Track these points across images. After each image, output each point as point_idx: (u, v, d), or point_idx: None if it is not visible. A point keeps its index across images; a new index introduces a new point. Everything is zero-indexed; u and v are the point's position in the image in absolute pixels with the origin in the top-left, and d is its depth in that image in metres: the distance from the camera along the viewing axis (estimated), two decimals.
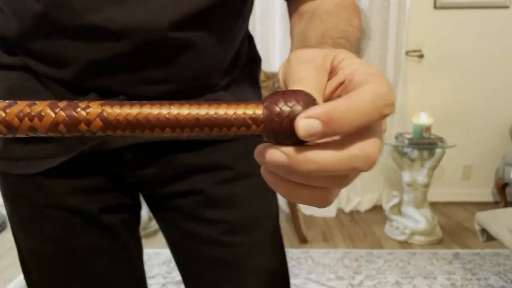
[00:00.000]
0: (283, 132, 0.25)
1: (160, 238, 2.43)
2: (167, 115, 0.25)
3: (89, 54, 0.48)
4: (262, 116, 0.25)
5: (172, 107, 0.25)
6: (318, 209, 2.84)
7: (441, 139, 2.41)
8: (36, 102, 0.24)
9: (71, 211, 0.56)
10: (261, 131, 0.26)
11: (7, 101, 0.24)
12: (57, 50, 0.49)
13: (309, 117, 0.23)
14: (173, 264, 2.13)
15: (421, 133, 2.37)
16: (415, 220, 2.38)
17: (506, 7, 2.81)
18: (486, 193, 3.03)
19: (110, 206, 0.58)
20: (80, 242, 0.57)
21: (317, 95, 0.26)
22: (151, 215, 2.38)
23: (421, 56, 2.86)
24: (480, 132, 2.95)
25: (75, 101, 0.24)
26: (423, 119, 2.39)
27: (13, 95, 0.52)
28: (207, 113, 0.25)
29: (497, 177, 2.86)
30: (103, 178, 0.57)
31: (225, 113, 0.25)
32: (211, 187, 0.58)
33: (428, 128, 2.39)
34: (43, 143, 0.53)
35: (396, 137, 2.51)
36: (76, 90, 0.51)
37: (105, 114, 0.24)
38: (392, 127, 2.82)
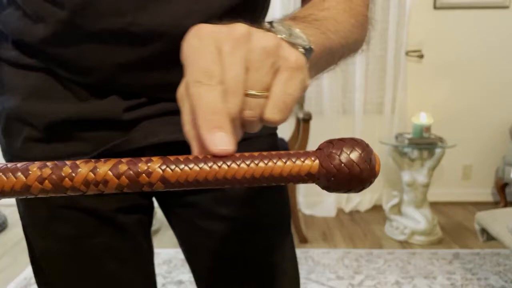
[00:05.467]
0: (343, 182, 0.27)
1: (160, 238, 2.44)
2: (225, 175, 0.26)
3: (113, 59, 0.48)
4: (317, 173, 0.27)
5: (229, 165, 0.26)
6: (318, 209, 2.84)
7: (441, 139, 2.41)
8: (98, 166, 0.25)
9: (86, 212, 0.55)
10: (317, 183, 0.28)
11: (69, 164, 0.25)
12: (81, 56, 0.49)
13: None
14: (173, 264, 2.13)
15: (421, 133, 2.37)
16: (415, 220, 2.38)
17: (506, 7, 2.81)
18: (486, 193, 3.04)
19: (126, 207, 0.58)
20: (94, 242, 0.57)
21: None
22: None
23: (421, 56, 2.87)
24: (480, 132, 2.95)
25: (136, 162, 0.26)
26: (423, 119, 2.40)
27: (35, 95, 0.52)
28: (263, 172, 0.26)
29: (497, 177, 2.86)
30: None
31: (281, 171, 0.26)
32: None
33: (428, 128, 2.39)
34: (62, 142, 0.53)
35: (396, 137, 2.51)
36: (98, 92, 0.51)
37: (166, 176, 0.26)
38: (392, 127, 2.83)
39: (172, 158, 0.26)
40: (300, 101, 2.55)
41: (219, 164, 0.26)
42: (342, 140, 0.27)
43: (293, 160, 0.26)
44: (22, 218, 0.59)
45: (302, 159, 0.27)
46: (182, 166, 0.26)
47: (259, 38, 0.30)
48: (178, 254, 2.18)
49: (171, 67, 0.50)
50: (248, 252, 0.60)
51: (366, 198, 2.93)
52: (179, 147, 0.55)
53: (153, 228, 2.46)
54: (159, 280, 1.98)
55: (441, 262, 2.14)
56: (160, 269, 2.09)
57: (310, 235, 2.48)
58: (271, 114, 0.29)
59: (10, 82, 0.53)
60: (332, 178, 0.26)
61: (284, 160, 0.26)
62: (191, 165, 0.26)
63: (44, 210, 0.56)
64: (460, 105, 2.90)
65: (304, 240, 2.39)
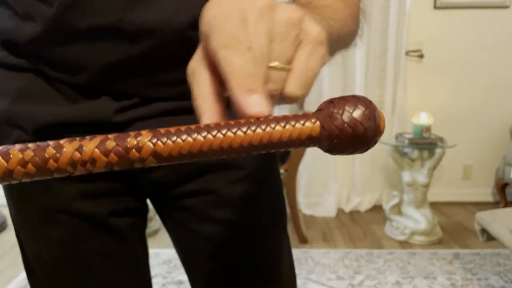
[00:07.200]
0: (347, 144, 0.25)
1: (160, 238, 2.43)
2: (221, 145, 0.24)
3: (104, 57, 0.47)
4: (319, 135, 0.25)
5: (224, 134, 0.24)
6: (318, 209, 2.84)
7: (441, 139, 2.41)
8: (84, 144, 0.23)
9: (80, 216, 0.55)
10: (319, 146, 0.26)
11: (52, 145, 0.23)
12: (71, 55, 0.48)
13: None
14: (173, 264, 2.13)
15: (421, 133, 2.37)
16: (415, 220, 2.38)
17: (506, 7, 2.81)
18: (486, 193, 3.03)
19: (119, 210, 0.57)
20: (88, 246, 0.56)
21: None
22: (150, 215, 2.39)
23: (421, 56, 2.86)
24: (480, 132, 2.95)
25: (124, 137, 0.24)
26: (423, 119, 2.39)
27: (24, 97, 0.51)
28: (261, 139, 0.24)
29: (497, 177, 2.86)
30: (114, 182, 0.56)
31: (280, 136, 0.25)
32: (224, 186, 0.57)
33: (428, 128, 2.39)
34: None
35: (396, 137, 2.51)
36: (89, 93, 0.50)
37: (157, 150, 0.24)
38: (392, 127, 2.82)
39: (162, 130, 0.24)
40: (300, 101, 2.55)
41: (213, 134, 0.24)
42: (343, 98, 0.26)
43: (292, 123, 0.25)
44: (14, 221, 0.58)
45: (301, 122, 0.25)
46: (174, 138, 0.24)
47: (283, 9, 0.29)
48: None
49: (163, 65, 0.49)
50: (245, 255, 0.59)
51: (366, 198, 2.93)
52: None
53: (153, 228, 2.46)
54: (159, 280, 1.98)
55: (441, 262, 2.14)
56: (160, 269, 2.08)
57: (310, 235, 2.48)
58: (292, 88, 0.28)
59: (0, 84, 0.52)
60: (335, 140, 0.25)
61: (282, 124, 0.24)
62: (183, 137, 0.24)
63: (36, 215, 0.55)
64: (460, 105, 2.90)
65: (304, 240, 2.39)
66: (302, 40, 0.29)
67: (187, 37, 0.47)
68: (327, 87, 2.78)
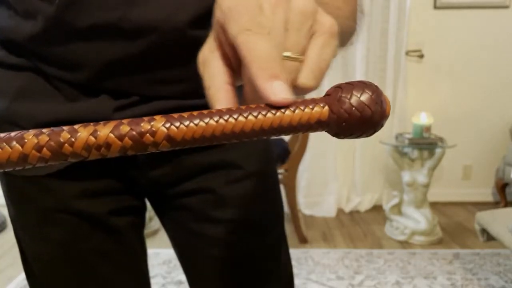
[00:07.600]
0: (355, 127, 0.26)
1: (160, 238, 2.43)
2: (233, 129, 0.25)
3: (104, 55, 0.47)
4: (328, 119, 0.26)
5: (236, 118, 0.25)
6: (318, 209, 2.84)
7: (441, 139, 2.41)
8: (98, 129, 0.24)
9: (79, 215, 0.54)
10: (327, 130, 0.27)
11: (67, 130, 0.23)
12: (70, 53, 0.48)
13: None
14: (173, 264, 2.13)
15: (421, 133, 2.37)
16: (415, 220, 2.38)
17: (506, 7, 2.81)
18: (486, 193, 3.03)
19: (119, 209, 0.57)
20: (87, 246, 0.56)
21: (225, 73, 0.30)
22: (150, 215, 2.38)
23: (421, 56, 2.86)
24: (480, 132, 2.95)
25: (138, 122, 0.24)
26: (423, 119, 2.39)
27: (24, 96, 0.51)
28: (272, 123, 0.25)
29: (497, 177, 2.86)
30: (113, 181, 0.56)
31: (290, 121, 0.25)
32: (222, 186, 0.57)
33: (428, 128, 2.39)
34: None
35: (396, 137, 2.51)
36: (88, 92, 0.50)
37: (171, 134, 0.24)
38: (392, 127, 2.82)
39: (175, 115, 0.25)
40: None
41: (225, 118, 0.25)
42: (350, 83, 0.26)
43: (302, 108, 0.25)
44: (13, 221, 0.58)
45: (311, 107, 0.25)
46: (187, 122, 0.24)
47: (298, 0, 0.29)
48: None
49: (162, 63, 0.49)
50: (243, 255, 0.60)
51: (366, 198, 2.93)
52: None
53: (153, 228, 2.46)
54: (159, 280, 1.98)
55: (441, 262, 2.14)
56: (160, 269, 2.08)
57: (310, 235, 2.48)
58: (306, 79, 0.28)
59: None
60: (344, 124, 0.25)
61: (292, 109, 0.25)
62: (196, 121, 0.24)
63: (35, 215, 0.55)
64: (460, 105, 2.90)
65: (304, 240, 2.39)
66: (315, 31, 0.29)
67: (186, 36, 0.47)
68: (327, 86, 2.77)
